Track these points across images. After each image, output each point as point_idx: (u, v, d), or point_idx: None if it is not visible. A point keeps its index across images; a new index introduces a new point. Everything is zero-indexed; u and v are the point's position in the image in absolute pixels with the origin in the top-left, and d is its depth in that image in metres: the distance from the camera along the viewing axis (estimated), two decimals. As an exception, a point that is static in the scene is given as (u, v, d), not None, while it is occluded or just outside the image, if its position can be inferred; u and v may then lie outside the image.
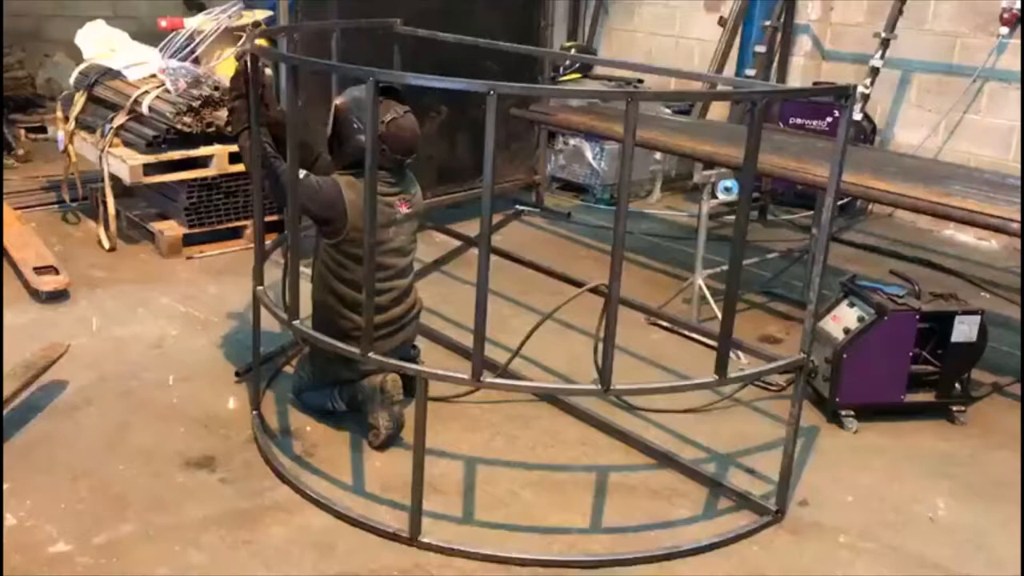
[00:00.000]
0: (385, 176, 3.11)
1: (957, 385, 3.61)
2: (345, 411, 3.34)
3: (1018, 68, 5.60)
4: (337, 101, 3.23)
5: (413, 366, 2.74)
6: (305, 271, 3.09)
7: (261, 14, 5.33)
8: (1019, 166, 5.55)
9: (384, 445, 3.20)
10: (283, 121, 3.19)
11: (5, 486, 2.91)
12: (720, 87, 5.97)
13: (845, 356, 3.50)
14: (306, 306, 3.11)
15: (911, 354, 3.54)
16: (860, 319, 3.53)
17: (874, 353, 3.50)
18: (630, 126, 2.27)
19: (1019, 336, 4.24)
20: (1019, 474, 3.25)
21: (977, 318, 3.53)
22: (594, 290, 3.35)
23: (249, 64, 2.92)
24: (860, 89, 5.76)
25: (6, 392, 3.20)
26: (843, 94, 2.59)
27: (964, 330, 3.52)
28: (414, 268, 3.44)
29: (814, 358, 3.38)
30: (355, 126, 3.14)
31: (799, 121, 6.10)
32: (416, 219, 3.34)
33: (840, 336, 3.54)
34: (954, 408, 3.62)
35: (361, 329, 2.89)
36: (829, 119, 6.02)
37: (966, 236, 5.99)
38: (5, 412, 3.20)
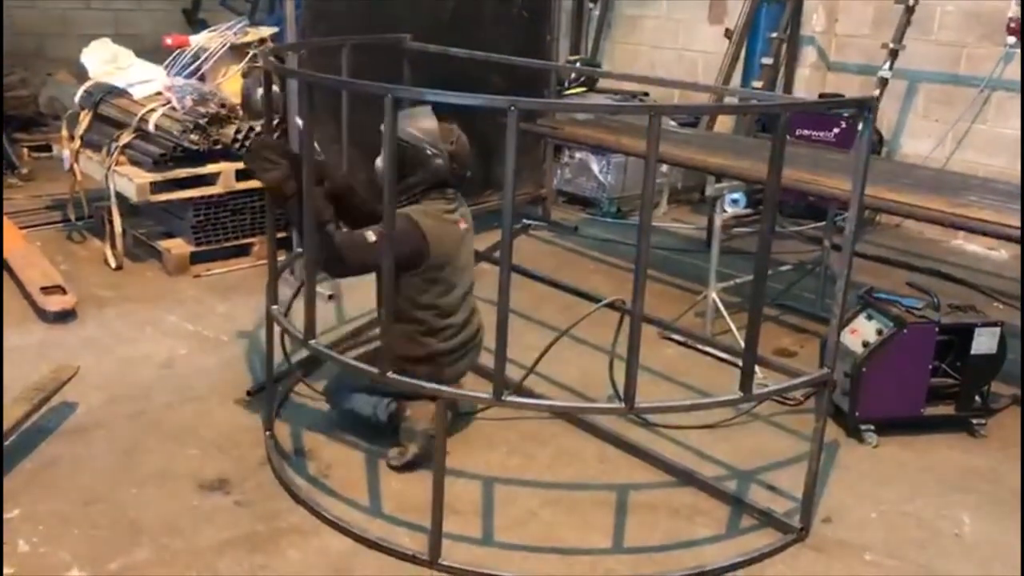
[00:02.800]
0: (449, 193, 3.15)
1: (977, 398, 3.58)
2: (383, 424, 3.26)
3: (1026, 77, 5.60)
4: (400, 133, 3.00)
5: (432, 385, 2.69)
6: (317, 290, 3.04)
7: (267, 31, 5.31)
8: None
9: (403, 468, 3.15)
10: (345, 189, 3.20)
11: (16, 511, 2.86)
12: (727, 99, 5.96)
13: (864, 370, 3.46)
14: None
15: (930, 367, 3.50)
16: (879, 332, 3.50)
17: (893, 366, 3.47)
18: (653, 140, 2.24)
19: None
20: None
21: (997, 330, 3.50)
22: (610, 305, 3.32)
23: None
24: (867, 100, 5.74)
25: (16, 414, 3.15)
26: (863, 107, 2.56)
27: (984, 342, 3.49)
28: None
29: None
30: (429, 152, 3.09)
31: (806, 132, 6.08)
32: (470, 234, 3.32)
33: (859, 349, 3.50)
34: (974, 421, 3.58)
35: (441, 354, 3.01)
36: (836, 130, 6.00)
37: (975, 246, 5.97)
38: (15, 436, 3.16)
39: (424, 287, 3.11)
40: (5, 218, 5.16)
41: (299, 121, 2.94)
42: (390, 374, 2.67)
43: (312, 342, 2.85)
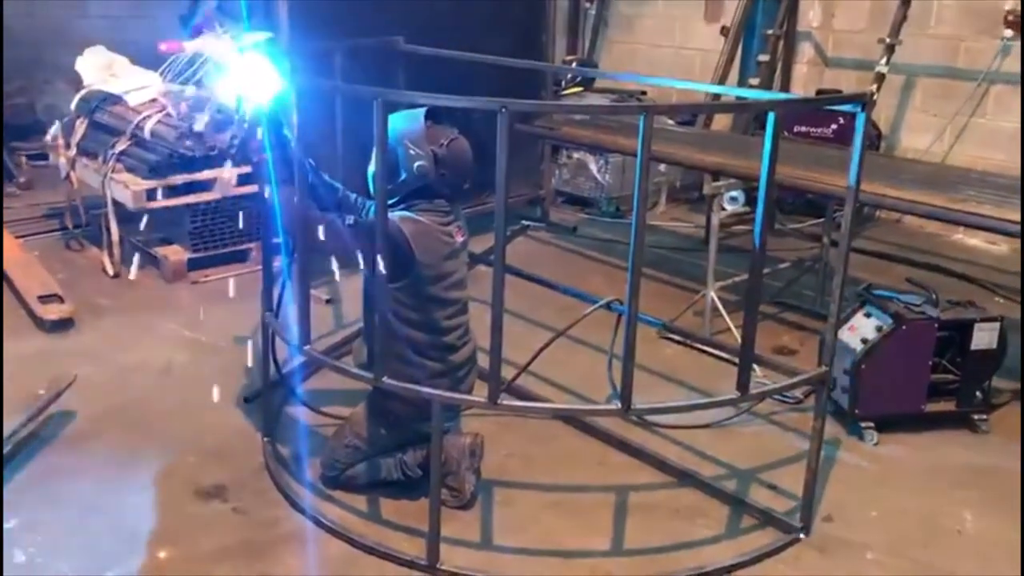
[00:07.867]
0: (441, 204, 2.89)
1: (978, 393, 3.56)
2: (420, 477, 3.00)
3: (1024, 70, 5.58)
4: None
5: (428, 390, 2.68)
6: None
7: (261, 35, 5.29)
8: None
9: (465, 507, 3.01)
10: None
11: (14, 521, 2.85)
12: (724, 97, 5.93)
13: (863, 367, 3.44)
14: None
15: (930, 363, 3.49)
16: (878, 329, 3.48)
17: (893, 363, 3.45)
18: (647, 140, 2.23)
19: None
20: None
21: (996, 325, 3.48)
22: (607, 306, 3.31)
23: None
24: (865, 95, 5.72)
25: (14, 424, 3.15)
26: (860, 102, 2.54)
27: (984, 337, 3.47)
28: None
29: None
30: (411, 152, 2.81)
31: (803, 129, 6.06)
32: (467, 247, 3.08)
33: (858, 347, 3.48)
34: (976, 417, 3.56)
35: (442, 374, 2.85)
36: (834, 126, 5.98)
37: (975, 240, 5.94)
38: (11, 446, 3.15)
39: (413, 303, 2.85)
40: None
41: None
42: (385, 379, 2.66)
43: (307, 348, 2.84)
